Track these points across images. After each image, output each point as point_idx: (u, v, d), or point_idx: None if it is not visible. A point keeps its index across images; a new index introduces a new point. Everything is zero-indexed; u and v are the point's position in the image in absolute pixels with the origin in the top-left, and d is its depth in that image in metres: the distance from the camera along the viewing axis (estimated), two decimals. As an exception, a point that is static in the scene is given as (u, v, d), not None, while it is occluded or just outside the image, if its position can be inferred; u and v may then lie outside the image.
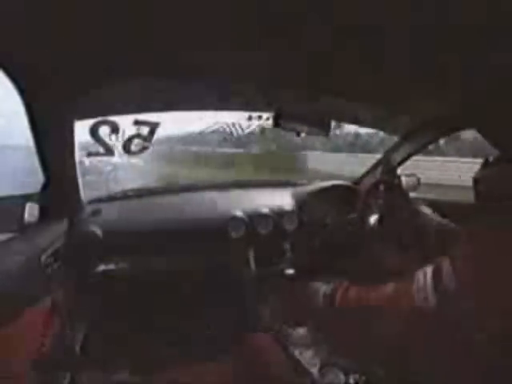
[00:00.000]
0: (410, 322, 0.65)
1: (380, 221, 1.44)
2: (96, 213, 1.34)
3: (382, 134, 2.27)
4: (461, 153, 4.70)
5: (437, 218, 1.13)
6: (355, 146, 4.75)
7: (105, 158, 1.41)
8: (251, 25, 0.66)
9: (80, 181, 1.23)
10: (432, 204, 1.24)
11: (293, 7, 0.59)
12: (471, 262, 0.61)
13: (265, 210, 1.47)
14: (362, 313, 0.73)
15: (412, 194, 1.45)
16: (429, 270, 0.64)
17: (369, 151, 3.88)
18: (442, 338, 0.62)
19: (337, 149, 5.10)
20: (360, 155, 4.25)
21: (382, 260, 1.36)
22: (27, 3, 0.56)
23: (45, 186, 1.10)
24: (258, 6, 0.59)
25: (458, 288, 0.59)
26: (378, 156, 1.74)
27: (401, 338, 0.67)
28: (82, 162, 1.22)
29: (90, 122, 1.10)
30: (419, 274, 0.65)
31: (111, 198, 1.60)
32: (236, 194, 1.74)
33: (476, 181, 0.75)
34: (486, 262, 0.59)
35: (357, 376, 0.76)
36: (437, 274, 0.62)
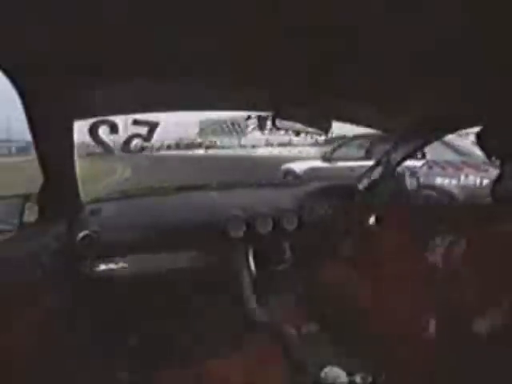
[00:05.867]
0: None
1: (379, 220, 1.44)
2: (95, 212, 1.34)
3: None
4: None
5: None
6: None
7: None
8: (251, 25, 0.66)
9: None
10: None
11: (293, 7, 0.59)
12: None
13: (265, 210, 1.47)
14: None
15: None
16: (443, 248, 0.66)
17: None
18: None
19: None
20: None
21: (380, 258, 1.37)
22: (27, 3, 0.56)
23: (44, 186, 1.10)
24: (258, 5, 0.59)
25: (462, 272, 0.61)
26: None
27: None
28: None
29: (90, 121, 1.10)
30: (434, 247, 0.67)
31: (111, 198, 1.60)
32: (236, 194, 1.74)
33: (494, 183, 0.75)
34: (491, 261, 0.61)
35: (363, 375, 0.76)
36: (449, 253, 0.65)
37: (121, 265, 1.28)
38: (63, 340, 1.01)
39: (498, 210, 0.73)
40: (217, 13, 0.61)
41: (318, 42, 0.71)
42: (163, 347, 1.16)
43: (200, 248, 1.38)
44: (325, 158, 4.96)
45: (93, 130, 1.13)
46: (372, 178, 1.64)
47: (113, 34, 0.67)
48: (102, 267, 1.25)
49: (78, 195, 1.27)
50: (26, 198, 1.11)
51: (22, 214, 1.09)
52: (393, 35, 0.68)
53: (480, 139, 0.78)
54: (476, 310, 0.59)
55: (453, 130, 1.33)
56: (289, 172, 5.37)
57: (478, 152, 3.44)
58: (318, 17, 0.61)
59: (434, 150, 3.66)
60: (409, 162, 3.61)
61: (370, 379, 0.75)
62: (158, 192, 1.78)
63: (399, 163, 1.57)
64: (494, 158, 0.76)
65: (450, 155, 3.75)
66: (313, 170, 4.94)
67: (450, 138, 3.71)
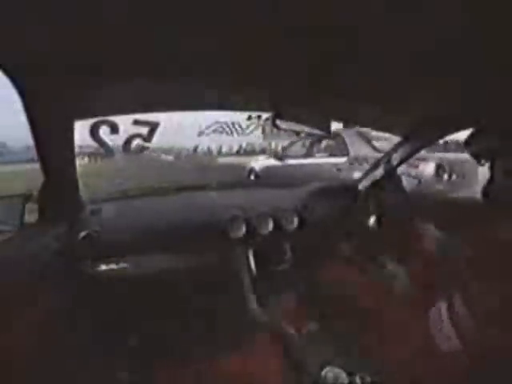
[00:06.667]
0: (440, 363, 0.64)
1: (379, 220, 1.44)
2: (96, 212, 1.35)
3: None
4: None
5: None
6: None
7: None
8: (251, 25, 0.66)
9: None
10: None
11: (293, 7, 0.59)
12: (480, 289, 0.61)
13: (265, 210, 1.47)
14: None
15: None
16: (443, 308, 0.63)
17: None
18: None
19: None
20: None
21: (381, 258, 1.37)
22: (27, 3, 0.56)
23: (44, 186, 1.10)
24: (258, 5, 0.59)
25: (473, 320, 0.59)
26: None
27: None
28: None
29: (90, 121, 1.10)
30: (435, 316, 0.64)
31: (111, 198, 1.60)
32: (236, 194, 1.74)
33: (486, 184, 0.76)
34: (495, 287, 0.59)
35: (362, 375, 0.76)
36: (451, 312, 0.62)
37: (121, 265, 1.28)
38: (63, 340, 1.01)
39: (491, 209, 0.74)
40: (217, 13, 0.61)
41: (317, 41, 0.71)
42: (163, 347, 1.16)
43: (200, 248, 1.38)
44: (277, 157, 5.49)
45: (93, 130, 1.13)
46: (372, 179, 1.64)
47: (113, 33, 0.67)
48: (103, 267, 1.25)
49: (78, 195, 1.27)
50: (26, 198, 1.12)
51: (22, 214, 1.09)
52: (393, 35, 0.68)
53: (469, 142, 0.79)
54: (474, 311, 0.59)
55: (453, 130, 1.33)
56: (251, 170, 5.80)
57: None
58: (318, 17, 0.61)
59: (355, 147, 4.37)
60: (333, 159, 4.21)
61: (369, 379, 0.75)
62: (158, 192, 1.78)
63: (400, 163, 1.57)
64: (483, 161, 0.77)
65: (369, 152, 4.20)
66: (268, 167, 5.46)
67: (372, 135, 4.51)
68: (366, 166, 4.26)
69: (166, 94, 1.09)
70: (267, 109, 1.34)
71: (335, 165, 4.40)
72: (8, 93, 0.83)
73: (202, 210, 1.49)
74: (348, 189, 1.71)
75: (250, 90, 1.07)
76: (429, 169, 3.62)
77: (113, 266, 1.26)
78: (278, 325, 1.19)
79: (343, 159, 4.34)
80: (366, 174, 1.72)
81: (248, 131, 9.91)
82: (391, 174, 1.57)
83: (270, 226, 1.45)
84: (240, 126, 9.87)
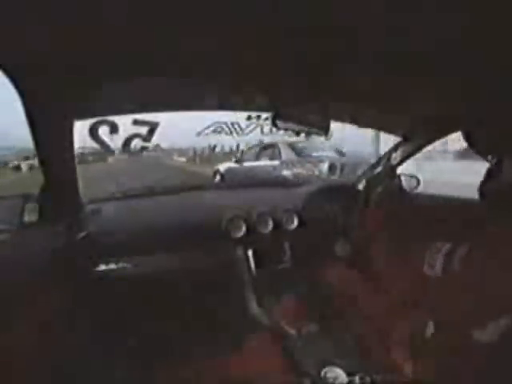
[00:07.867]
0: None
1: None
2: (96, 213, 1.35)
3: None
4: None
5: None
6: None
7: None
8: (251, 25, 0.66)
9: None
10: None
11: (292, 7, 0.59)
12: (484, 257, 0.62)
13: (265, 210, 1.47)
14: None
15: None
16: (445, 246, 0.66)
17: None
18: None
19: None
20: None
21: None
22: (27, 3, 0.56)
23: (44, 186, 1.10)
24: (258, 5, 0.59)
25: (463, 274, 0.61)
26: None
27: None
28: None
29: (90, 121, 1.11)
30: (435, 245, 0.67)
31: (111, 198, 1.60)
32: (236, 194, 1.74)
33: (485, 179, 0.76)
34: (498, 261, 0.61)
35: (362, 375, 0.76)
36: (450, 253, 0.65)
37: (121, 265, 1.28)
38: (63, 340, 1.01)
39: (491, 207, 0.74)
40: (217, 13, 0.61)
41: (317, 41, 0.71)
42: (163, 347, 1.16)
43: (200, 248, 1.38)
44: (237, 161, 7.03)
45: (93, 130, 1.13)
46: (371, 178, 1.64)
47: (113, 33, 0.67)
48: (103, 267, 1.25)
49: (78, 195, 1.27)
50: (26, 197, 1.12)
51: (22, 214, 1.09)
52: (393, 35, 0.68)
53: (472, 139, 0.79)
54: (472, 312, 0.59)
55: (453, 130, 1.33)
56: (217, 171, 7.09)
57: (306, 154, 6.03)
58: (318, 17, 0.61)
59: (285, 154, 6.04)
60: (272, 162, 6.02)
61: (368, 379, 0.75)
62: (158, 192, 1.78)
63: (400, 163, 1.57)
64: (489, 157, 0.77)
65: (293, 157, 5.96)
66: (230, 169, 6.83)
67: (299, 146, 6.10)
68: (292, 167, 5.75)
69: (166, 94, 1.09)
70: (267, 109, 1.35)
71: (272, 166, 5.96)
72: (7, 92, 0.83)
73: (202, 209, 1.50)
74: (348, 189, 1.71)
75: (249, 90, 1.07)
76: (324, 167, 5.45)
77: (113, 266, 1.26)
78: (277, 325, 1.19)
79: (277, 162, 6.02)
80: (365, 174, 1.72)
81: (247, 131, 9.92)
82: (391, 174, 1.58)
83: (270, 225, 1.45)
84: (239, 126, 9.87)
